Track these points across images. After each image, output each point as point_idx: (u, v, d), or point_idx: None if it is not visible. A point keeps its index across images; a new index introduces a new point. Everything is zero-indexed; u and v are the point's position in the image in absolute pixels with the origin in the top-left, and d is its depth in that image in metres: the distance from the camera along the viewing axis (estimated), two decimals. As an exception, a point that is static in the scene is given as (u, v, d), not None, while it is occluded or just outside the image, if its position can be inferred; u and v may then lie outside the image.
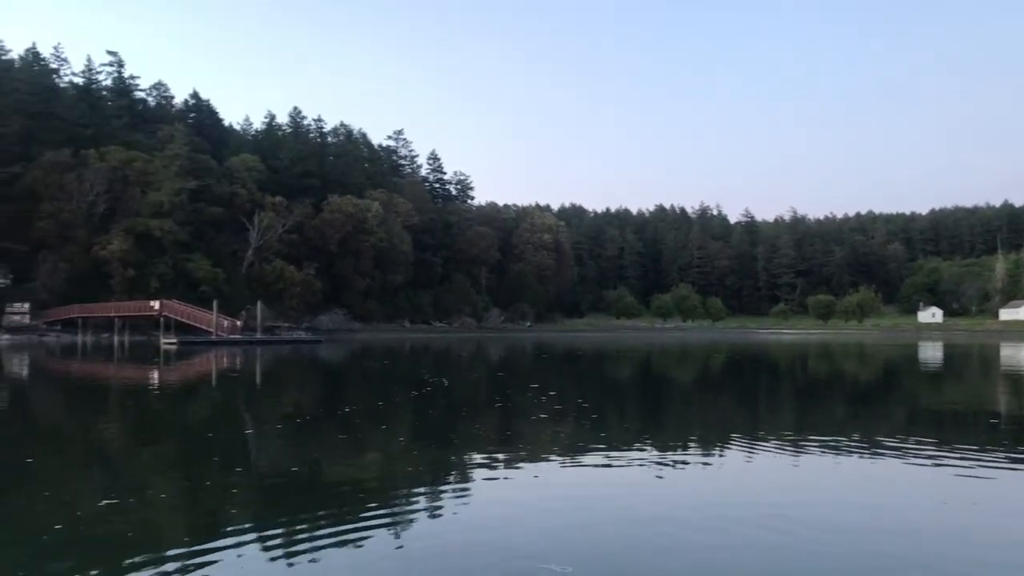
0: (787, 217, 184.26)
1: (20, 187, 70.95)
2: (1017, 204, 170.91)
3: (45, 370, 26.71)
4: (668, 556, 4.81)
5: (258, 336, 54.17)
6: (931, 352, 42.46)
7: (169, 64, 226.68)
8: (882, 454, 8.61)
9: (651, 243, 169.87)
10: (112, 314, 61.69)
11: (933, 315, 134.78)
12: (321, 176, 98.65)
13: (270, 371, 26.24)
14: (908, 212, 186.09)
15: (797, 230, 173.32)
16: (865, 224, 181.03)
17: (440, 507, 6.11)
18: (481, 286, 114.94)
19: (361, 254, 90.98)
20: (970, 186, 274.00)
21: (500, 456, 8.44)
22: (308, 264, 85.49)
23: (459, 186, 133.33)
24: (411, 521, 5.68)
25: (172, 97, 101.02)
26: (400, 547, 5.00)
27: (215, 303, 55.11)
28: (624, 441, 9.64)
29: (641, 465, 7.86)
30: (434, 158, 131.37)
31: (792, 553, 4.87)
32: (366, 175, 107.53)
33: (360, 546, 4.98)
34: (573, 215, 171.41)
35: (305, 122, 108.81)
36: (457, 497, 6.47)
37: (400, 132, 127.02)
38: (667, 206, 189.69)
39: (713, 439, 9.84)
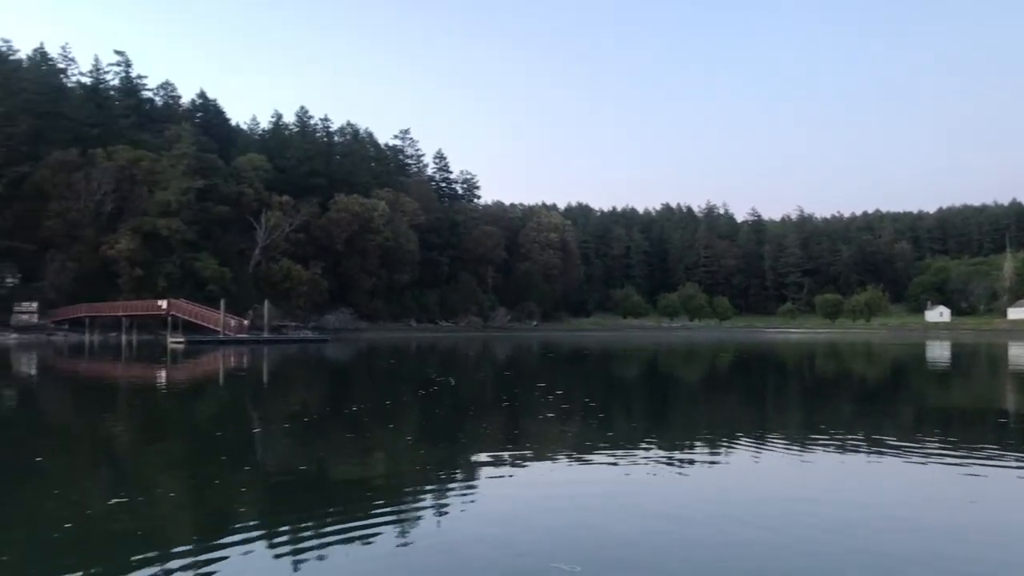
0: (794, 216, 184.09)
1: (28, 186, 71.38)
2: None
3: (53, 369, 26.84)
4: (675, 555, 4.80)
5: (265, 335, 54.30)
6: (939, 351, 42.25)
7: (176, 64, 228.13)
8: (889, 454, 8.56)
9: (658, 242, 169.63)
10: (120, 313, 62.02)
11: (941, 314, 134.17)
12: (328, 175, 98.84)
13: (277, 370, 26.30)
14: (915, 211, 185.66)
15: (804, 229, 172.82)
16: (872, 223, 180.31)
17: (447, 505, 6.11)
18: (487, 285, 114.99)
19: (367, 253, 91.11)
20: (971, 186, 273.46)
21: (507, 455, 8.44)
22: (315, 263, 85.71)
23: (465, 185, 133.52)
24: (418, 519, 5.69)
25: (179, 97, 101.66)
26: (407, 544, 5.01)
27: (222, 302, 55.24)
28: (631, 440, 9.62)
29: (648, 464, 7.85)
30: (440, 157, 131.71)
31: (798, 552, 4.85)
32: (372, 174, 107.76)
33: (368, 544, 4.99)
34: (579, 214, 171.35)
35: (312, 122, 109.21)
36: (464, 495, 6.48)
37: (406, 131, 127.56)
38: (674, 205, 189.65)
39: (720, 438, 9.81)
